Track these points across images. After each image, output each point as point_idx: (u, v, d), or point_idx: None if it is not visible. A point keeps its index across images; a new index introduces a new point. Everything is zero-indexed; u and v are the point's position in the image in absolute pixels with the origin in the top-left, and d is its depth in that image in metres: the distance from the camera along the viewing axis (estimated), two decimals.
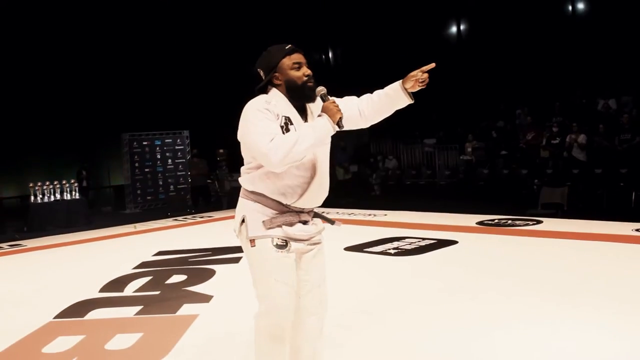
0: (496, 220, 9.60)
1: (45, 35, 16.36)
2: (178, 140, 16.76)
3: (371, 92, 3.05)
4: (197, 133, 16.99)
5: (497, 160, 14.07)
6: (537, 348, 3.92)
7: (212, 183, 16.33)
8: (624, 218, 8.97)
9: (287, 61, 2.89)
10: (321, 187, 2.96)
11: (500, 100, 16.53)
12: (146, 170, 16.14)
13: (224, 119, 18.53)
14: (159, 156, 16.42)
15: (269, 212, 2.86)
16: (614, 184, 11.29)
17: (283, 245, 2.85)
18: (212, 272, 7.03)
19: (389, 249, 7.73)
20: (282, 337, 2.92)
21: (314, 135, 2.70)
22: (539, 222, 9.22)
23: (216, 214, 13.43)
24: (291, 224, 2.88)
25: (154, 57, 18.01)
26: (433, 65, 2.96)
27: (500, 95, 16.66)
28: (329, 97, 2.86)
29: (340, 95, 3.09)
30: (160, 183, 16.41)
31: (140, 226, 12.02)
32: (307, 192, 2.89)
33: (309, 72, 2.92)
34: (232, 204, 14.98)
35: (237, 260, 7.66)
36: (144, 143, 16.19)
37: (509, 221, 9.50)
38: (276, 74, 2.92)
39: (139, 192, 15.98)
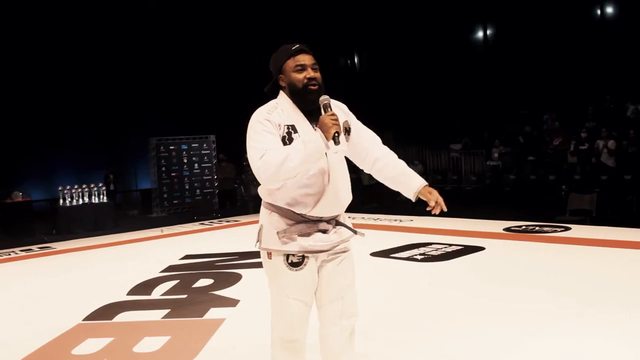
0: (523, 227, 9.50)
1: (76, 39, 16.60)
2: (204, 145, 16.87)
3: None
4: (223, 137, 17.08)
5: (524, 166, 13.96)
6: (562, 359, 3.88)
7: (238, 187, 16.42)
8: None
9: (290, 63, 2.76)
10: (337, 195, 2.80)
11: (527, 105, 16.43)
12: (173, 174, 16.27)
13: (245, 124, 18.81)
14: (185, 160, 16.53)
15: (285, 222, 2.75)
16: None
17: (298, 262, 2.74)
18: (238, 277, 7.05)
19: (416, 255, 7.69)
20: (295, 348, 2.89)
21: (304, 152, 2.51)
22: (567, 228, 9.11)
23: (242, 218, 13.47)
24: (307, 235, 2.75)
25: (182, 61, 18.20)
26: (444, 210, 2.80)
27: (526, 100, 16.56)
28: (330, 108, 2.63)
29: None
30: (187, 187, 16.53)
31: (167, 230, 12.10)
32: (322, 200, 2.73)
33: (312, 74, 2.73)
34: (257, 208, 14.84)
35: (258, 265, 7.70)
36: (171, 147, 16.32)
37: (537, 228, 9.39)
38: (281, 76, 2.80)
39: (165, 196, 16.11)
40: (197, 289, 6.55)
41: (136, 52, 17.56)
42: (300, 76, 2.72)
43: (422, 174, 2.74)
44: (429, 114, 17.74)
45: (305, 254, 2.75)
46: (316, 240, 2.76)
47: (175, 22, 17.96)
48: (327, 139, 2.51)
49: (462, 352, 4.10)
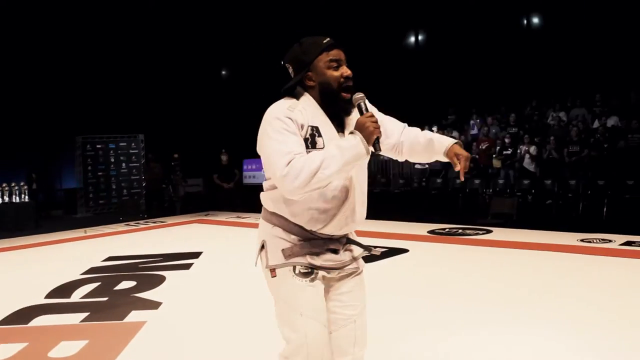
0: (447, 230, 9.73)
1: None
2: (133, 144, 16.61)
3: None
4: (152, 137, 16.84)
5: (451, 170, 14.25)
6: (471, 354, 4.00)
7: (166, 188, 16.21)
8: (571, 228, 9.16)
9: (324, 58, 2.36)
10: (355, 212, 2.43)
11: (453, 110, 16.80)
12: (99, 173, 15.97)
13: (179, 123, 18.60)
14: (112, 160, 16.26)
15: (291, 239, 2.37)
16: (563, 195, 11.56)
17: (307, 272, 2.37)
18: (162, 279, 6.97)
19: None
20: None
21: (342, 159, 2.14)
22: (489, 231, 9.38)
23: (169, 220, 13.35)
24: (316, 254, 2.38)
25: (110, 59, 17.79)
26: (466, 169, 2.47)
27: (453, 106, 16.93)
28: (367, 108, 2.32)
29: None
30: (114, 187, 16.26)
31: (91, 231, 11.85)
32: (337, 218, 2.36)
33: (348, 72, 2.38)
34: (185, 209, 14.92)
35: (187, 266, 7.65)
36: (98, 146, 16.02)
37: (460, 230, 9.63)
38: (309, 74, 2.38)
39: (91, 195, 15.77)
40: (118, 291, 6.43)
41: (63, 46, 17.07)
42: (336, 74, 2.36)
43: None
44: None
45: (313, 267, 2.38)
46: (326, 259, 2.40)
47: (102, 18, 17.56)
48: (367, 143, 2.18)
49: (383, 352, 4.16)
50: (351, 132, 2.22)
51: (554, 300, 5.35)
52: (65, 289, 6.58)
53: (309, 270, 2.37)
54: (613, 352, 3.94)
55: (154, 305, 5.77)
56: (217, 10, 19.22)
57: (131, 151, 16.58)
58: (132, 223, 13.07)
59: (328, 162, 2.12)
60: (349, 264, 2.48)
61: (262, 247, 2.44)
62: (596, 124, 13.46)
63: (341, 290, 2.48)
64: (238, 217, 13.34)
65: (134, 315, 5.40)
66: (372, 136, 2.19)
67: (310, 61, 2.37)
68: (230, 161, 14.59)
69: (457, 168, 2.45)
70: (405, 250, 8.07)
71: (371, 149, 2.21)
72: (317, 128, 2.31)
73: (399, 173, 15.38)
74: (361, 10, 18.89)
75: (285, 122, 2.24)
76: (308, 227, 2.36)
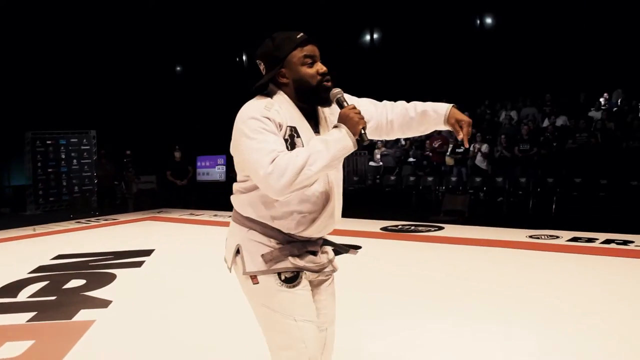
0: (400, 226, 9.81)
1: None
2: (84, 140, 16.27)
3: None
4: (104, 133, 16.56)
5: (405, 167, 14.38)
6: (419, 348, 4.04)
7: (118, 185, 16.00)
8: (521, 225, 9.32)
9: (298, 54, 2.27)
10: (334, 213, 2.36)
11: None
12: (49, 170, 15.60)
13: (132, 119, 18.35)
14: (63, 156, 15.90)
15: (270, 243, 2.27)
16: (514, 193, 11.78)
17: (293, 277, 2.28)
18: (112, 277, 6.87)
19: None
20: None
21: (328, 153, 2.06)
22: (441, 228, 9.49)
23: (121, 217, 13.16)
24: (298, 256, 2.30)
25: (61, 52, 17.43)
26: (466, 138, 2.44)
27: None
28: (347, 101, 2.26)
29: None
30: (64, 184, 15.90)
31: (40, 228, 11.59)
32: (319, 220, 2.30)
33: (324, 69, 2.30)
34: (138, 206, 14.73)
35: (139, 264, 7.56)
36: (48, 142, 15.64)
37: (412, 227, 9.72)
38: (283, 70, 2.29)
39: (41, 192, 15.42)
40: (67, 290, 6.31)
41: (11, 40, 16.66)
42: (312, 71, 2.27)
43: None
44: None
45: (300, 271, 2.30)
46: (308, 261, 2.33)
47: (52, 11, 17.19)
48: (354, 135, 2.11)
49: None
50: (335, 126, 2.15)
51: (500, 294, 5.46)
52: (11, 288, 6.43)
53: (294, 274, 2.28)
54: (562, 342, 4.04)
55: (103, 303, 5.69)
56: (173, 5, 19.02)
57: (82, 147, 16.24)
58: (83, 220, 12.83)
59: (314, 158, 2.04)
60: (327, 266, 2.45)
61: (237, 251, 2.33)
62: (546, 123, 13.75)
63: (316, 298, 2.42)
64: (191, 214, 13.23)
65: (83, 314, 5.32)
66: (357, 127, 2.12)
67: (283, 57, 2.28)
68: (183, 158, 14.48)
69: (460, 136, 2.43)
70: (357, 247, 8.12)
71: (358, 139, 2.14)
72: (295, 128, 2.23)
73: (353, 170, 15.46)
74: (316, 8, 18.92)
75: (263, 122, 2.14)
76: (287, 231, 2.28)
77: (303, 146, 2.19)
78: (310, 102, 2.31)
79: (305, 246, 2.33)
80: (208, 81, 20.45)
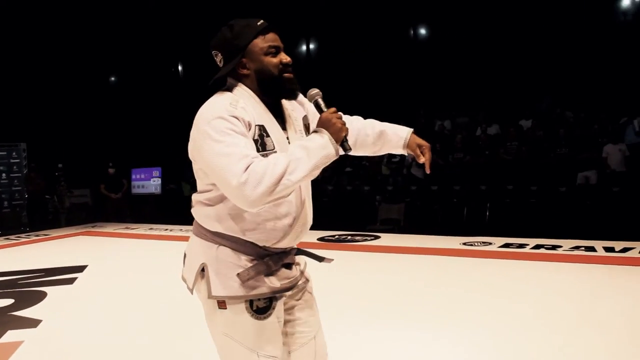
0: (336, 236, 9.85)
1: None
2: (14, 153, 15.83)
3: None
4: (35, 146, 16.13)
5: (342, 177, 14.45)
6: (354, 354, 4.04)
7: (50, 199, 15.59)
8: (455, 232, 9.48)
9: (260, 43, 2.09)
10: (307, 220, 2.23)
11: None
12: None
13: (64, 131, 17.90)
14: None
15: (242, 259, 2.07)
16: (448, 200, 11.97)
17: (266, 307, 2.09)
18: (42, 295, 6.67)
19: None
20: None
21: (309, 162, 1.89)
22: (377, 237, 9.57)
23: (53, 232, 12.82)
24: (273, 274, 2.12)
25: None
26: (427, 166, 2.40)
27: (346, 114, 17.19)
28: (325, 104, 2.13)
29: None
30: None
31: None
32: (294, 229, 2.14)
33: (288, 59, 2.14)
34: (71, 220, 14.38)
35: (71, 281, 7.37)
36: None
37: (349, 237, 9.77)
38: (243, 61, 2.10)
39: None
40: None
41: None
42: (275, 60, 2.10)
43: None
44: None
45: (273, 297, 2.12)
46: (282, 278, 2.15)
47: None
48: (336, 141, 1.96)
49: None
50: (315, 131, 1.98)
51: (432, 301, 5.54)
52: None
53: (267, 303, 2.10)
54: (491, 345, 4.11)
55: (32, 323, 5.52)
56: (107, 14, 18.68)
57: (12, 161, 15.81)
58: (12, 237, 12.44)
59: (294, 166, 1.86)
60: (300, 279, 2.29)
61: (202, 270, 2.09)
62: (478, 132, 14.04)
63: (296, 309, 2.28)
64: (127, 228, 12.99)
65: (10, 335, 5.14)
66: (340, 134, 1.97)
67: (244, 46, 2.09)
68: (117, 171, 14.23)
69: (422, 160, 2.36)
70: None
71: (340, 149, 1.99)
72: (263, 127, 2.05)
73: None
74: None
75: (231, 122, 1.92)
76: (262, 244, 2.09)
77: (274, 146, 2.04)
78: (273, 94, 2.14)
79: (282, 259, 2.16)
80: (143, 92, 20.13)
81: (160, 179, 15.49)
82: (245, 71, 2.11)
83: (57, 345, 4.83)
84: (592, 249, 7.59)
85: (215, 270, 2.05)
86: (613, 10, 15.62)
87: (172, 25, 19.20)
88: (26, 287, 7.17)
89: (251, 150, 1.90)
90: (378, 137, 2.46)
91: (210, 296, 2.05)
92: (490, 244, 8.41)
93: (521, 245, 8.09)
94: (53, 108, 17.81)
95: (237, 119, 1.94)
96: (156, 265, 8.39)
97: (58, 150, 16.39)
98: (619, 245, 7.65)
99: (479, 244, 8.47)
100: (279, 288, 2.11)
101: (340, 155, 2.00)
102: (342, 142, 1.98)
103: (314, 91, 2.16)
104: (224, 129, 1.89)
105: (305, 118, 2.30)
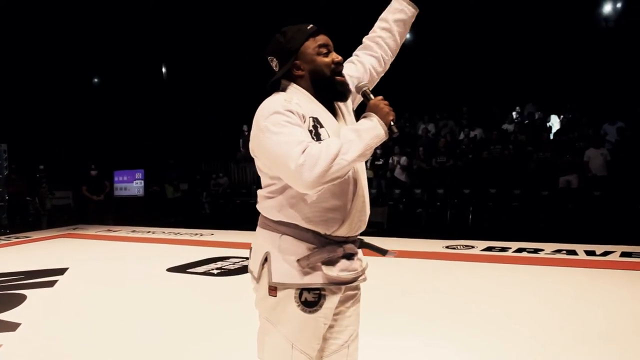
0: None
1: None
2: None
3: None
4: (16, 147, 15.96)
5: None
6: None
7: (31, 201, 15.44)
8: (439, 236, 9.50)
9: (311, 44, 2.21)
10: (365, 206, 2.25)
11: None
12: None
13: (45, 132, 17.75)
14: None
15: (304, 247, 2.12)
16: (432, 204, 12.01)
17: (314, 301, 2.12)
18: (22, 298, 6.58)
19: (212, 269, 7.67)
20: None
21: (361, 142, 1.98)
22: (361, 237, 9.55)
23: (34, 234, 12.70)
24: (332, 263, 2.13)
25: None
26: None
27: None
28: (372, 93, 2.24)
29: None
30: None
31: None
32: (351, 215, 2.17)
33: (339, 58, 2.25)
34: (52, 223, 14.25)
35: (51, 283, 7.28)
36: None
37: None
38: (297, 62, 2.21)
39: None
40: None
41: None
42: (327, 60, 2.21)
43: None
44: (232, 129, 17.91)
45: (323, 290, 2.14)
46: (341, 269, 2.16)
47: None
48: (385, 124, 2.05)
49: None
50: (364, 116, 2.09)
51: (413, 304, 5.54)
52: None
53: (316, 298, 2.12)
54: (473, 347, 4.12)
55: (11, 326, 5.42)
56: (91, 15, 18.56)
57: None
58: None
59: (347, 147, 1.95)
60: (361, 276, 2.26)
61: (265, 260, 2.15)
62: (462, 136, 14.11)
63: (342, 315, 2.27)
64: (109, 230, 12.90)
65: None
66: (387, 117, 2.06)
67: (296, 49, 2.21)
68: (100, 173, 14.13)
69: None
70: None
71: (388, 131, 2.06)
72: (317, 119, 2.14)
73: None
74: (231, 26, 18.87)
75: (286, 115, 2.03)
76: (323, 231, 2.13)
77: (328, 136, 2.11)
78: (326, 95, 2.23)
79: (343, 248, 2.17)
80: (127, 93, 20.03)
81: (142, 181, 15.41)
82: (299, 72, 2.22)
83: (37, 349, 4.76)
84: (574, 252, 7.64)
85: (276, 258, 2.13)
86: (595, 16, 15.76)
87: (157, 27, 19.13)
88: (6, 290, 7.07)
89: (307, 137, 2.00)
90: (395, 14, 2.69)
91: (270, 282, 2.11)
92: (472, 247, 8.43)
93: (503, 249, 8.13)
94: (35, 108, 17.69)
95: (292, 112, 2.04)
96: (138, 267, 8.34)
97: (40, 152, 16.26)
98: (599, 248, 7.70)
99: (461, 247, 8.49)
100: (335, 278, 2.13)
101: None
102: (390, 126, 2.06)
103: (362, 83, 2.30)
104: (281, 122, 2.00)
105: (354, 112, 2.38)
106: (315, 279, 2.11)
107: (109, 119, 19.53)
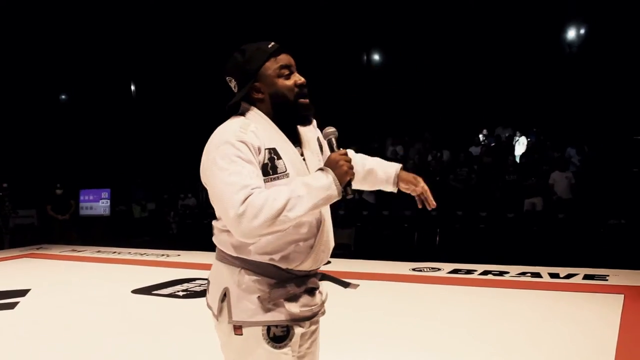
0: None
1: None
2: None
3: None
4: None
5: None
6: None
7: None
8: (405, 258, 9.53)
9: (272, 65, 2.05)
10: (330, 239, 2.18)
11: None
12: None
13: (9, 149, 17.49)
14: None
15: (265, 283, 2.02)
16: (399, 225, 12.06)
17: (283, 336, 2.03)
18: None
19: (178, 291, 7.59)
20: None
21: (310, 201, 1.85)
22: (328, 262, 9.53)
23: None
24: (295, 298, 2.06)
25: None
26: (433, 205, 2.38)
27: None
28: (338, 145, 2.07)
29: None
30: None
31: None
32: (315, 248, 2.07)
33: (302, 80, 2.09)
34: (15, 242, 13.99)
35: (12, 305, 7.13)
36: None
37: None
38: (257, 85, 2.06)
39: None
40: None
41: None
42: (289, 83, 2.06)
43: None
44: (201, 149, 17.79)
45: (291, 324, 2.05)
46: (303, 304, 2.09)
47: None
48: (340, 184, 1.90)
49: None
50: (321, 169, 1.93)
51: (378, 328, 5.53)
52: None
53: (285, 332, 2.04)
54: None
55: None
56: (59, 30, 18.40)
57: None
58: None
59: (294, 203, 1.82)
60: (320, 310, 2.21)
61: (225, 295, 2.03)
62: (429, 158, 14.24)
63: (306, 346, 2.22)
64: (73, 250, 12.70)
65: None
66: (345, 177, 1.91)
67: (255, 70, 2.05)
68: (65, 191, 13.95)
69: (417, 192, 2.36)
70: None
71: (342, 193, 1.93)
72: (274, 150, 2.00)
73: None
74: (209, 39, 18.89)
75: (238, 148, 1.90)
76: (285, 266, 2.03)
77: (286, 168, 2.00)
78: (287, 120, 2.10)
79: (305, 282, 2.10)
80: (94, 111, 19.86)
81: (109, 201, 15.25)
82: (259, 95, 2.08)
83: None
84: (538, 274, 7.72)
85: (236, 295, 2.01)
86: (559, 41, 16.10)
87: (126, 45, 19.05)
88: None
89: (254, 180, 1.87)
90: (367, 174, 2.46)
91: (230, 321, 2.01)
92: (439, 269, 8.48)
93: (469, 271, 8.18)
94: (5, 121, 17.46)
95: (245, 144, 1.91)
96: (102, 289, 8.22)
97: (3, 169, 15.99)
98: (563, 271, 7.80)
99: (428, 269, 8.53)
100: (298, 315, 2.05)
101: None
102: (345, 186, 1.93)
103: (330, 129, 2.10)
104: (230, 155, 1.88)
105: (318, 140, 2.24)
106: (278, 316, 2.02)
107: (75, 136, 19.32)
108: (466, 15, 16.19)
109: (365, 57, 19.50)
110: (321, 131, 2.17)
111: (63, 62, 19.10)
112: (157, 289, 7.81)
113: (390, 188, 2.47)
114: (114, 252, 11.75)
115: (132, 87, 21.68)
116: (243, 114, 2.09)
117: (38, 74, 18.76)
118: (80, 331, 5.90)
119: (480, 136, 15.20)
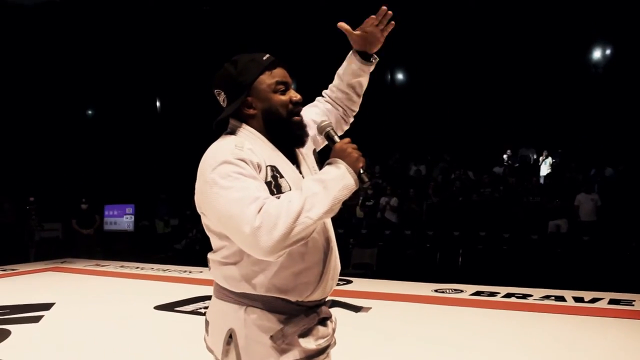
0: None
1: None
2: None
3: None
4: (5, 177, 15.93)
5: None
6: None
7: (20, 233, 15.35)
8: (428, 279, 9.48)
9: (266, 79, 1.90)
10: (337, 265, 2.02)
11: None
12: None
13: (36, 163, 17.69)
14: None
15: (275, 320, 1.84)
16: (421, 245, 12.02)
17: None
18: (6, 333, 6.50)
19: (200, 308, 7.61)
20: None
21: (328, 196, 1.68)
22: (349, 282, 9.53)
23: (21, 267, 12.58)
24: (309, 332, 1.89)
25: None
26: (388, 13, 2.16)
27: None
28: (337, 134, 1.96)
29: None
30: None
31: None
32: (325, 276, 1.91)
33: (298, 97, 1.95)
34: (40, 256, 14.13)
35: (37, 319, 7.21)
36: None
37: None
38: (249, 99, 1.91)
39: None
40: None
41: None
42: (284, 98, 1.91)
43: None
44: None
45: None
46: (318, 337, 1.92)
47: None
48: (354, 172, 1.75)
49: None
50: (328, 162, 1.80)
51: (397, 350, 5.50)
52: None
53: None
54: None
55: None
56: (87, 46, 18.66)
57: None
58: None
59: (312, 202, 1.65)
60: (332, 340, 2.04)
61: (230, 336, 1.85)
62: (453, 177, 14.20)
63: None
64: (97, 264, 12.81)
65: None
66: (357, 164, 1.77)
67: (249, 83, 1.89)
68: (90, 206, 14.10)
69: (374, 27, 2.20)
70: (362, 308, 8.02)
71: (358, 180, 1.78)
72: (276, 168, 1.84)
73: None
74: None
75: (238, 165, 1.73)
76: (295, 298, 1.86)
77: (290, 187, 1.83)
78: (279, 139, 1.94)
79: (317, 313, 1.94)
80: (120, 126, 20.07)
81: (133, 216, 15.36)
82: (251, 111, 1.93)
83: None
84: (562, 298, 7.63)
85: (244, 336, 1.83)
86: (585, 62, 16.02)
87: (152, 60, 19.26)
88: None
89: (262, 192, 1.70)
90: (339, 83, 2.39)
91: None
92: (461, 291, 8.42)
93: (492, 294, 8.11)
94: (26, 139, 17.67)
95: (245, 161, 1.75)
96: (125, 304, 8.27)
97: (30, 183, 16.21)
98: (588, 295, 7.70)
99: (450, 291, 8.47)
100: (314, 350, 1.89)
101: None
102: (360, 173, 1.78)
103: (324, 123, 1.98)
104: (231, 174, 1.71)
105: (314, 152, 2.13)
106: (293, 356, 1.85)
107: (101, 152, 19.53)
108: (491, 36, 16.18)
109: (389, 76, 19.52)
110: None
111: (90, 78, 19.35)
112: (179, 306, 7.84)
113: (359, 64, 2.33)
114: (137, 267, 11.82)
115: (158, 103, 21.90)
116: (233, 132, 1.94)
117: (65, 89, 19.01)
118: (104, 346, 5.94)
119: (505, 156, 15.12)
